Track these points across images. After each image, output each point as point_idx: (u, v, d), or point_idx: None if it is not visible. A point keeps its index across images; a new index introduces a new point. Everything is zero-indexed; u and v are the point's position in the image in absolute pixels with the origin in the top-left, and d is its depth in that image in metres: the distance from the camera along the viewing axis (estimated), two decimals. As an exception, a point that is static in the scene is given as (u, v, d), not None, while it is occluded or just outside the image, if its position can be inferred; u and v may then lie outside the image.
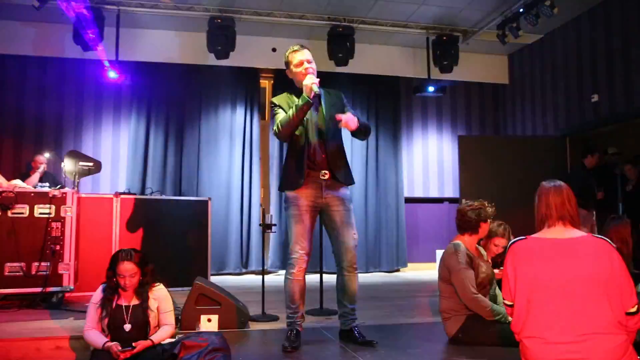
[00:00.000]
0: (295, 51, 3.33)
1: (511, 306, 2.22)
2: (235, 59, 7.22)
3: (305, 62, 3.28)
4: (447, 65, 7.61)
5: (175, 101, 7.56)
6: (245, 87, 7.81)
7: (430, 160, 8.60)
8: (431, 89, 7.75)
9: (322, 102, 3.32)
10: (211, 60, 7.28)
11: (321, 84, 3.25)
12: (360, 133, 3.29)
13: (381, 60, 8.15)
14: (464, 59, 7.98)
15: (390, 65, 8.20)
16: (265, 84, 8.25)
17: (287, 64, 3.36)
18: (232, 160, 7.64)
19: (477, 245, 3.49)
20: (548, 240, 2.20)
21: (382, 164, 8.16)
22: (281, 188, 3.33)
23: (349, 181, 3.31)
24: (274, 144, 7.81)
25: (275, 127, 3.24)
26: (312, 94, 3.10)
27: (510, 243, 2.28)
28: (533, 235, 2.26)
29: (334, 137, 3.28)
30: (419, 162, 8.56)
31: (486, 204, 3.40)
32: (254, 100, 7.87)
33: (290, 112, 3.18)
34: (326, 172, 3.23)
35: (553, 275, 2.11)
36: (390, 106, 8.32)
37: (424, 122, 8.67)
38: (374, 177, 8.08)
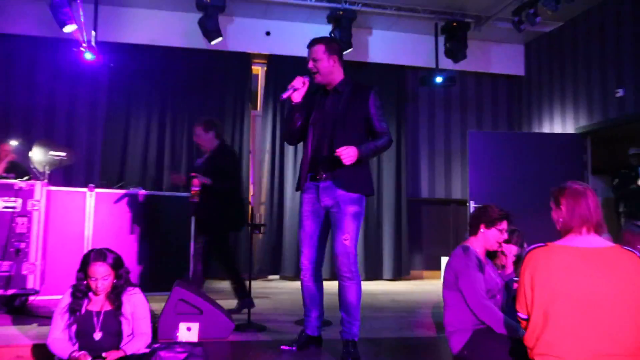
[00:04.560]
0: (308, 47, 3.50)
1: (526, 320, 2.19)
2: (225, 43, 7.20)
3: (310, 61, 3.45)
4: (457, 55, 7.60)
5: (158, 88, 7.54)
6: (235, 73, 7.80)
7: (436, 158, 8.59)
8: (439, 80, 7.73)
9: (335, 97, 3.45)
10: (199, 43, 7.25)
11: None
12: (366, 159, 3.41)
13: (385, 48, 8.15)
14: (475, 48, 7.97)
15: (395, 53, 8.19)
16: (258, 70, 8.23)
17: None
18: None
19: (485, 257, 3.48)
20: (572, 249, 2.17)
21: (383, 161, 8.15)
22: (296, 188, 3.63)
23: (352, 188, 3.36)
24: (266, 136, 7.80)
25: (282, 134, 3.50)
26: (291, 96, 3.35)
27: (527, 250, 2.26)
28: (554, 243, 2.23)
29: (343, 139, 3.33)
30: (424, 160, 8.55)
31: (495, 208, 3.39)
32: (245, 89, 7.86)
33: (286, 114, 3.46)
34: (324, 175, 3.37)
35: (575, 288, 2.08)
36: (394, 98, 8.31)
37: (431, 116, 8.65)
38: (372, 175, 8.02)
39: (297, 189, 3.57)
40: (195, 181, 4.58)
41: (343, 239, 3.32)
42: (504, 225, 3.34)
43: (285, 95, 3.36)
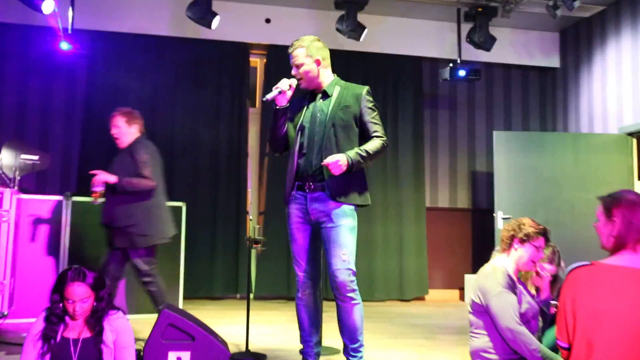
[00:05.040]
0: (289, 52, 3.64)
1: (567, 350, 2.18)
2: (219, 32, 7.19)
3: (293, 65, 3.60)
4: (482, 44, 7.54)
5: (144, 82, 7.53)
6: (231, 66, 7.82)
7: (459, 161, 8.58)
8: (462, 73, 7.66)
9: (323, 102, 3.58)
10: (190, 32, 7.25)
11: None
12: (359, 167, 3.47)
13: (400, 37, 8.12)
14: (503, 37, 7.91)
15: (411, 43, 8.17)
16: (257, 62, 8.25)
17: None
18: (217, 156, 7.66)
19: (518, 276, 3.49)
20: (623, 269, 2.15)
21: (399, 165, 8.17)
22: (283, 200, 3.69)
23: (345, 199, 3.45)
24: (264, 136, 7.80)
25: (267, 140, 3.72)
26: (275, 99, 3.49)
27: (569, 269, 2.25)
28: (601, 261, 2.21)
29: (334, 144, 3.47)
30: (444, 164, 8.55)
31: (532, 222, 3.40)
32: (243, 83, 7.87)
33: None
34: (311, 184, 3.47)
35: (625, 314, 2.06)
36: (410, 94, 8.30)
37: (452, 114, 8.64)
38: (385, 179, 8.09)
39: (284, 202, 3.63)
40: (95, 180, 4.40)
41: (341, 255, 3.38)
42: (540, 241, 3.34)
43: (269, 97, 3.48)
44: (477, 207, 8.50)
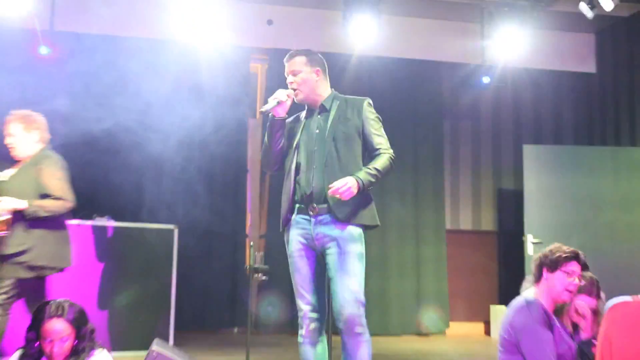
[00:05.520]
0: (285, 62, 3.74)
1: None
2: (216, 34, 7.20)
3: (289, 75, 3.68)
4: (509, 47, 7.52)
5: (132, 90, 7.39)
6: (229, 72, 7.79)
7: (482, 179, 8.53)
8: (486, 80, 7.71)
9: (320, 117, 3.66)
10: (182, 35, 7.27)
11: (333, 81, 3.75)
12: (371, 187, 3.51)
13: (416, 40, 8.12)
14: (532, 38, 7.77)
15: (429, 46, 8.15)
16: (257, 68, 8.25)
17: None
18: (212, 173, 7.67)
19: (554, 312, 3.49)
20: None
21: (416, 182, 8.15)
22: (280, 226, 3.74)
23: (354, 220, 3.50)
24: (260, 153, 7.72)
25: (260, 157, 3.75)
26: (273, 110, 3.55)
27: (607, 305, 2.23)
28: (644, 295, 2.19)
29: (336, 160, 3.54)
30: (466, 180, 8.51)
31: (560, 247, 3.41)
32: (242, 91, 7.87)
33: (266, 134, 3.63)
34: (315, 206, 3.50)
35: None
36: (427, 103, 8.29)
37: (475, 127, 8.62)
38: (400, 198, 8.06)
39: (282, 227, 3.70)
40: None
41: (350, 284, 3.39)
42: (572, 266, 3.33)
43: (267, 109, 3.56)
44: (503, 230, 8.45)
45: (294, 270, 3.58)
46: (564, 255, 3.31)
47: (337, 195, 3.34)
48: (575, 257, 3.31)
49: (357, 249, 3.47)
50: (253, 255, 5.32)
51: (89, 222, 5.76)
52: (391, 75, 8.12)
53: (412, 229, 8.06)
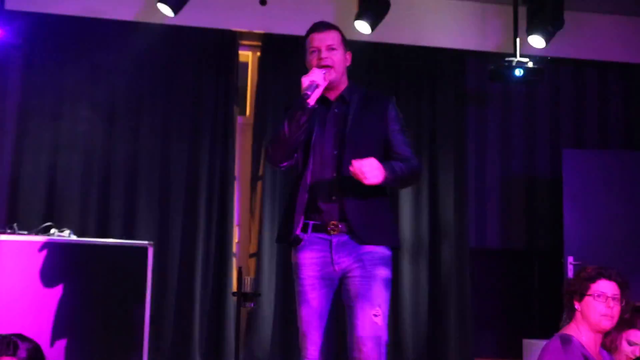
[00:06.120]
0: (312, 32, 3.63)
1: None
2: (198, 16, 7.20)
3: (323, 49, 3.55)
4: (546, 33, 7.50)
5: (100, 82, 7.50)
6: (215, 61, 7.80)
7: (513, 190, 8.47)
8: (519, 73, 7.56)
9: (340, 110, 3.61)
10: (159, 17, 7.19)
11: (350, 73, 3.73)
12: (392, 185, 3.54)
13: (436, 25, 8.08)
14: (574, 23, 7.79)
15: (451, 32, 8.11)
16: (248, 56, 8.22)
17: (304, 50, 3.69)
18: (193, 180, 7.61)
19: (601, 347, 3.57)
20: None
21: (436, 192, 8.08)
22: (277, 239, 3.70)
23: (381, 240, 3.50)
24: (259, 154, 7.75)
25: (267, 144, 3.61)
26: (308, 97, 3.38)
27: None
28: None
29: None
30: (494, 192, 8.44)
31: (589, 269, 3.52)
32: (230, 83, 7.82)
33: (284, 123, 3.47)
34: (336, 224, 3.43)
35: None
36: (449, 100, 8.24)
37: (505, 128, 8.54)
38: (416, 210, 8.02)
39: (280, 241, 3.67)
40: None
41: (373, 315, 3.34)
42: (601, 286, 3.40)
43: (311, 94, 3.40)
44: (537, 249, 8.36)
45: (302, 301, 3.49)
46: (588, 276, 3.42)
47: (359, 174, 3.26)
48: (600, 274, 3.41)
49: (384, 274, 3.45)
50: (242, 280, 5.31)
51: (45, 238, 5.67)
52: (407, 67, 8.12)
53: (429, 246, 8.01)
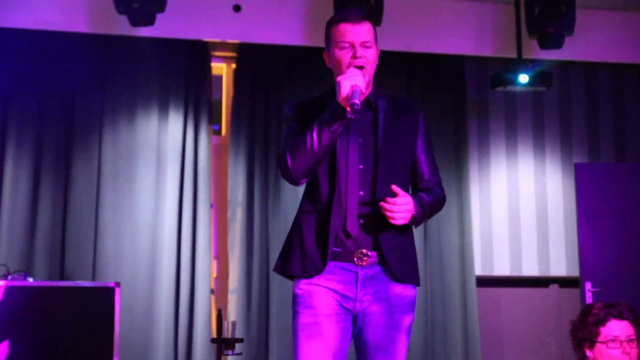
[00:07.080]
0: (343, 21, 3.27)
1: None
2: (167, 26, 7.08)
3: (357, 45, 3.21)
4: (553, 35, 7.33)
5: (56, 101, 7.37)
6: (185, 74, 7.66)
7: (522, 208, 8.21)
8: (524, 78, 7.42)
9: (365, 116, 3.31)
10: (124, 28, 7.03)
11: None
12: (414, 224, 3.31)
13: (433, 29, 7.94)
14: (584, 23, 7.56)
15: (450, 36, 7.97)
16: (222, 69, 8.09)
17: (327, 40, 3.35)
18: (161, 209, 7.40)
19: None
20: None
21: (441, 218, 7.75)
22: (281, 269, 3.32)
23: (412, 278, 3.27)
24: (237, 178, 7.52)
25: (282, 156, 3.21)
26: (353, 107, 3.03)
27: None
28: None
29: (392, 184, 3.15)
30: (501, 211, 8.18)
31: (594, 308, 3.55)
32: (201, 99, 7.64)
33: (312, 131, 3.10)
34: (366, 253, 3.14)
35: None
36: (448, 109, 8.07)
37: (511, 139, 8.32)
38: (421, 237, 7.77)
39: (283, 272, 3.31)
40: None
41: None
42: (613, 329, 3.37)
43: (358, 101, 3.04)
44: (551, 275, 8.15)
45: (314, 334, 3.14)
46: (596, 320, 3.38)
47: (389, 215, 3.03)
48: (609, 315, 3.37)
49: (409, 321, 3.25)
50: (222, 324, 5.16)
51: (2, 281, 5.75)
52: (400, 74, 7.98)
53: (430, 276, 7.79)
